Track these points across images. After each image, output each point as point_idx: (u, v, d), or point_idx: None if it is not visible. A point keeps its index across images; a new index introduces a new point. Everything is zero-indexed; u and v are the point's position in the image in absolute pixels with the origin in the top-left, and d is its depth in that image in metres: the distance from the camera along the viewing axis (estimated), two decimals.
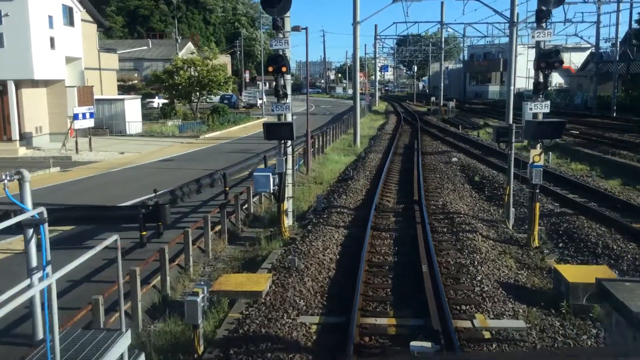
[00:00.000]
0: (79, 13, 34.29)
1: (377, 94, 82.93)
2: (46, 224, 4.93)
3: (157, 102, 54.68)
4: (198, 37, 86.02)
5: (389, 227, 13.61)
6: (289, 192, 14.00)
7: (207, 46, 49.93)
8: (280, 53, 12.57)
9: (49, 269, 5.00)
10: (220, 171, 17.17)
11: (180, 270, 10.95)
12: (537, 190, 12.36)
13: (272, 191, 12.99)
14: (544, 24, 12.04)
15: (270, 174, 12.79)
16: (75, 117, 27.57)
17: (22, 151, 28.07)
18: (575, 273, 9.26)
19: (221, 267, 11.51)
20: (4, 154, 26.52)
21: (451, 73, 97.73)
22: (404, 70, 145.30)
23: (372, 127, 43.50)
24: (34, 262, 4.99)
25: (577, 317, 8.53)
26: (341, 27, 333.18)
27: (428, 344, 7.02)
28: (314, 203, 16.89)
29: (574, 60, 79.56)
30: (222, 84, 45.52)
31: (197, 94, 46.24)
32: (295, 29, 21.59)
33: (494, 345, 7.53)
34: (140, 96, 46.11)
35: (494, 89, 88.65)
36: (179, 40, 68.16)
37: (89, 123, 28.79)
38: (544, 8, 11.88)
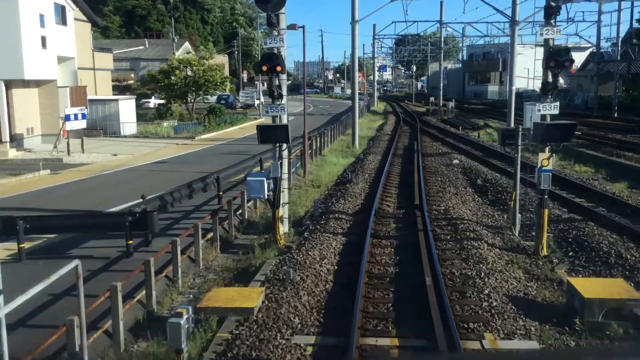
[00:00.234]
0: (72, 12, 33.58)
1: (376, 94, 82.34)
2: None
3: (153, 102, 54.02)
4: (195, 37, 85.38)
5: (389, 234, 12.97)
6: (284, 197, 13.36)
7: (204, 46, 49.24)
8: (275, 51, 11.93)
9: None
10: (214, 175, 16.50)
11: (169, 283, 10.30)
12: (546, 196, 11.73)
13: (266, 197, 12.35)
14: (553, 21, 11.42)
15: (265, 179, 12.16)
16: (67, 118, 26.88)
17: (13, 153, 27.38)
18: (590, 287, 8.64)
19: (212, 279, 10.87)
20: None
21: (450, 73, 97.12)
22: (403, 70, 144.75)
23: (371, 128, 42.85)
24: None
25: (593, 335, 7.91)
26: (339, 27, 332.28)
27: None
28: (311, 208, 16.27)
29: (574, 59, 78.88)
30: (218, 84, 44.81)
31: (193, 94, 45.54)
32: (292, 27, 20.97)
33: None
34: (135, 96, 45.42)
35: (493, 89, 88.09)
36: (176, 40, 67.51)
37: (81, 124, 28.09)
38: (553, 4, 11.25)
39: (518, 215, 13.48)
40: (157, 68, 52.84)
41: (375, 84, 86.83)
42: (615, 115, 47.82)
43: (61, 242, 12.77)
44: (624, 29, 53.90)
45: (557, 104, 11.61)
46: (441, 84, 58.50)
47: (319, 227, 13.54)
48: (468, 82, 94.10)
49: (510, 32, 31.62)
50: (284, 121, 12.74)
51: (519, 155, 13.17)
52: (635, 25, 57.64)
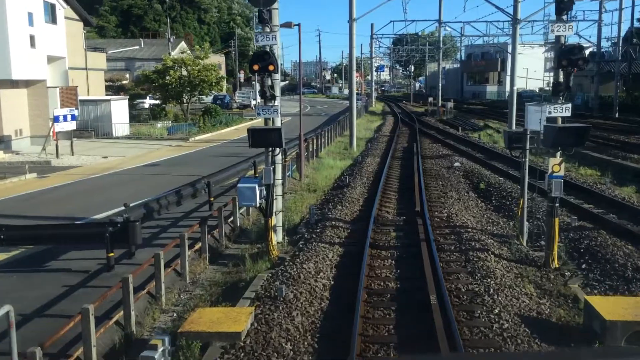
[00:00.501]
0: (63, 10, 32.72)
1: (374, 94, 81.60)
2: None
3: (148, 102, 53.14)
4: (192, 37, 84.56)
5: (389, 244, 12.20)
6: (278, 205, 12.58)
7: (200, 46, 48.33)
8: (267, 49, 11.14)
9: None
10: (205, 179, 15.69)
11: (151, 300, 9.50)
12: (557, 204, 10.96)
13: (258, 205, 11.56)
14: (565, 16, 10.66)
15: (257, 186, 11.36)
16: (56, 119, 26.05)
17: (0, 155, 26.53)
18: (610, 308, 7.87)
19: (199, 294, 10.07)
20: None
21: (448, 73, 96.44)
22: (400, 71, 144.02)
23: (369, 129, 42.07)
24: None
25: None
26: (337, 27, 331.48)
27: None
28: (306, 214, 15.50)
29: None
30: (213, 84, 43.97)
31: (188, 94, 44.70)
32: (287, 25, 20.19)
33: None
34: (128, 97, 44.54)
35: (491, 89, 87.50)
36: (172, 40, 66.68)
37: (71, 125, 27.25)
38: None
39: (526, 224, 12.72)
40: (152, 68, 52.03)
41: (373, 84, 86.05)
42: (616, 115, 47.16)
43: (40, 253, 11.94)
44: (624, 28, 53.33)
45: (569, 105, 10.85)
46: (440, 84, 57.67)
47: (314, 236, 12.76)
48: (466, 82, 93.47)
49: (512, 31, 30.83)
50: (277, 124, 11.95)
51: (527, 160, 12.39)
52: (636, 24, 57.03)
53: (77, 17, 37.91)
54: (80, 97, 33.62)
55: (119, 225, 10.40)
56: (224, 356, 7.13)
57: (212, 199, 15.39)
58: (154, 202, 12.95)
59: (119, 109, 36.58)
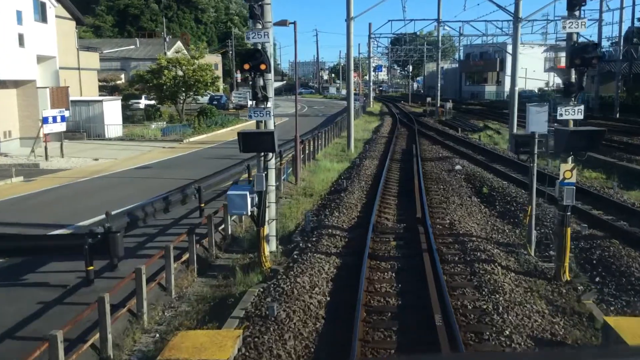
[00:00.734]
0: (53, 9, 31.96)
1: (372, 95, 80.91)
2: None
3: (144, 103, 52.37)
4: (188, 37, 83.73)
5: (389, 255, 11.48)
6: (271, 213, 11.85)
7: (195, 45, 47.57)
8: (259, 48, 10.42)
9: None
10: (195, 184, 14.95)
11: (132, 318, 8.77)
12: (569, 213, 10.26)
13: (249, 213, 10.84)
14: (577, 12, 9.96)
15: (248, 193, 10.64)
16: (45, 120, 25.29)
17: None
18: (633, 330, 7.17)
19: (185, 311, 9.34)
20: None
21: (447, 73, 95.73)
22: (398, 71, 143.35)
23: (367, 130, 41.35)
24: None
25: None
26: (334, 27, 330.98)
27: None
28: (302, 221, 14.78)
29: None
30: (208, 84, 43.20)
31: (183, 94, 43.92)
32: (282, 23, 19.47)
33: None
34: (121, 97, 43.78)
35: (490, 89, 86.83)
36: (168, 40, 65.88)
37: (61, 127, 26.49)
38: None
39: (534, 232, 12.01)
40: (147, 68, 51.28)
41: (371, 84, 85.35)
42: (617, 116, 46.55)
43: (18, 265, 11.21)
44: (624, 28, 52.69)
45: (582, 107, 10.15)
46: (439, 84, 56.95)
47: (310, 245, 12.05)
48: (465, 82, 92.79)
49: (513, 30, 30.16)
50: (270, 127, 11.23)
51: (535, 165, 11.68)
52: (637, 24, 56.44)
53: (69, 16, 37.14)
54: (71, 98, 32.85)
55: (98, 236, 9.67)
56: None
57: (202, 204, 14.65)
58: (139, 209, 12.20)
59: (112, 109, 35.79)
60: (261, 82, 10.57)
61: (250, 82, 10.57)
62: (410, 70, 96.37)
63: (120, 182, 20.75)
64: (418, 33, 72.26)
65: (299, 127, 23.37)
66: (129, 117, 43.72)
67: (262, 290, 9.49)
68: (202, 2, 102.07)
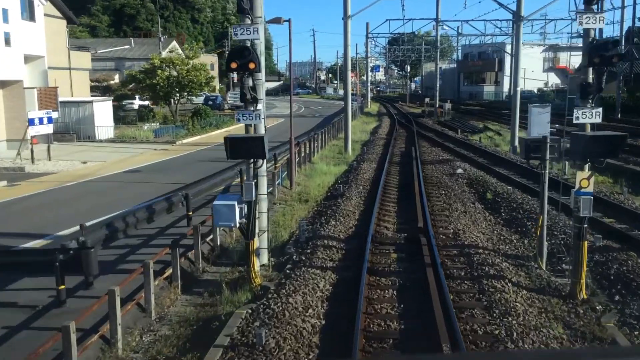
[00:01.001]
0: (42, 7, 31.02)
1: (369, 95, 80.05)
2: None
3: (137, 103, 51.42)
4: (184, 37, 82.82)
5: (390, 270, 10.62)
6: (261, 224, 10.98)
7: (190, 45, 46.63)
8: (248, 45, 9.55)
9: None
10: (183, 191, 14.05)
11: (105, 346, 7.89)
12: (586, 225, 9.41)
13: (238, 225, 9.96)
14: (595, 6, 9.11)
15: (236, 203, 9.78)
16: (30, 122, 24.34)
17: None
18: None
19: (165, 336, 8.46)
20: None
21: (445, 73, 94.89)
22: (396, 71, 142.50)
23: (365, 131, 40.48)
24: None
25: None
26: (332, 26, 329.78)
27: None
28: (296, 230, 13.90)
29: (571, 59, 77.03)
30: (203, 84, 42.28)
31: (177, 95, 42.99)
32: (277, 20, 18.61)
33: None
34: (113, 97, 42.82)
35: (488, 89, 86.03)
36: (163, 39, 64.96)
37: (48, 129, 25.55)
38: None
39: (545, 244, 11.17)
40: (141, 68, 50.34)
41: (369, 84, 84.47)
42: (619, 116, 45.75)
43: None
44: (625, 27, 51.89)
45: (600, 110, 9.30)
46: (437, 84, 56.09)
47: (304, 258, 11.18)
48: (463, 83, 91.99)
49: (515, 29, 29.35)
50: (261, 131, 10.35)
51: (547, 172, 10.83)
52: (638, 23, 55.66)
53: (59, 15, 36.21)
54: (61, 98, 31.89)
55: (71, 252, 8.78)
56: None
57: (190, 212, 13.75)
58: (119, 220, 11.29)
59: (103, 110, 34.84)
60: (250, 83, 9.69)
61: (238, 82, 9.69)
62: (408, 70, 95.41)
63: (107, 187, 19.83)
64: (416, 33, 71.38)
65: (296, 128, 22.57)
66: (122, 118, 42.79)
67: (250, 312, 8.61)
68: (199, 1, 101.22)
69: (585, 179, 9.32)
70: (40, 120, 24.92)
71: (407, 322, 8.29)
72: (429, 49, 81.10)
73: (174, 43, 66.89)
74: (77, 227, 13.29)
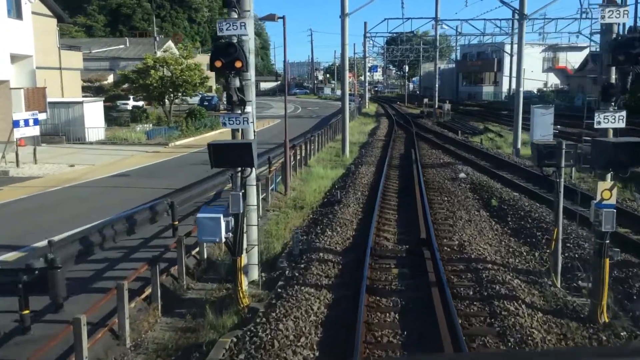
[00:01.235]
0: (29, 5, 30.01)
1: (367, 95, 79.18)
2: None
3: (131, 104, 50.43)
4: (180, 36, 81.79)
5: (391, 288, 9.71)
6: (251, 237, 10.05)
7: (184, 45, 45.65)
8: (234, 41, 8.63)
9: None
10: (168, 199, 13.11)
11: None
12: (607, 241, 8.51)
13: (224, 240, 9.03)
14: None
15: (222, 216, 8.84)
16: (15, 124, 23.40)
17: None
18: None
19: None
20: None
21: (443, 73, 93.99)
22: (394, 71, 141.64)
23: (363, 132, 39.58)
24: None
25: None
26: (329, 26, 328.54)
27: None
28: (289, 240, 13.00)
29: (570, 59, 76.24)
30: (197, 84, 41.32)
31: (171, 95, 42.02)
32: (271, 18, 17.71)
33: None
34: (104, 98, 41.84)
35: (487, 89, 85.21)
36: (158, 39, 63.96)
37: (34, 131, 24.59)
38: None
39: (560, 259, 10.26)
40: (134, 68, 49.34)
41: (367, 84, 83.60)
42: None
43: None
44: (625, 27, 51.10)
45: (624, 113, 8.44)
46: (437, 84, 55.21)
47: (297, 274, 10.26)
48: (462, 83, 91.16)
49: (519, 28, 28.52)
50: (249, 137, 9.43)
51: (562, 181, 9.93)
52: (639, 23, 54.89)
53: (49, 13, 35.21)
54: (50, 99, 30.91)
55: (36, 272, 7.85)
56: None
57: (176, 222, 12.82)
58: (95, 233, 10.34)
59: (93, 111, 33.84)
60: (237, 83, 8.76)
61: (224, 83, 8.78)
62: (407, 70, 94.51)
63: (93, 192, 18.87)
64: (415, 32, 70.45)
65: (291, 129, 21.67)
66: (115, 118, 41.79)
67: (235, 341, 7.68)
68: (196, 1, 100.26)
69: (607, 190, 8.42)
70: (26, 122, 23.98)
71: (412, 352, 7.38)
72: (427, 49, 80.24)
73: (169, 43, 65.88)
74: (54, 238, 12.37)
